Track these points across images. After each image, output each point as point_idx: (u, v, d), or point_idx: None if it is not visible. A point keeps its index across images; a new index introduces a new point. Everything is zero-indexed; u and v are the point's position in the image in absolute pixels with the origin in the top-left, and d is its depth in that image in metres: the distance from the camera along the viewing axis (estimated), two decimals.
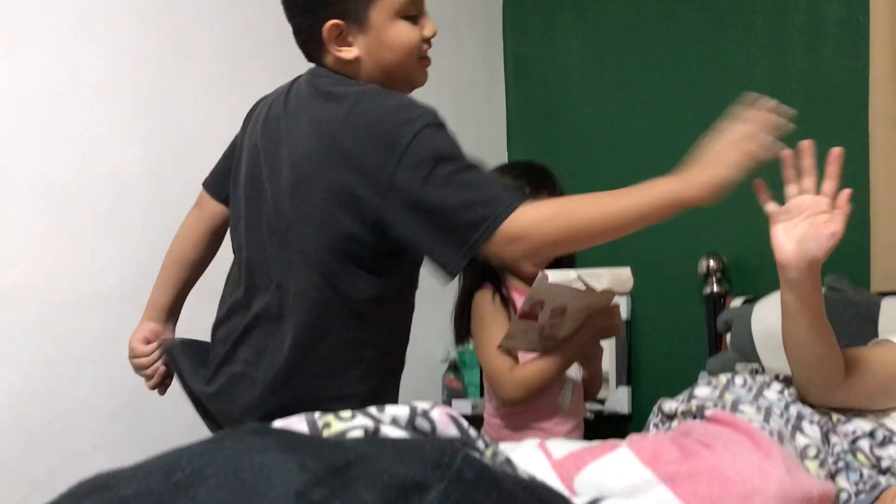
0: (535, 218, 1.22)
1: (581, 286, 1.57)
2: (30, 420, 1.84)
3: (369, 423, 0.88)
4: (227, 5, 1.85)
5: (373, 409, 0.92)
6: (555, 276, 1.57)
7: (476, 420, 1.90)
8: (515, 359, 1.76)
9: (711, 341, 2.40)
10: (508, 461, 0.96)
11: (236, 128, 1.74)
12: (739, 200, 2.43)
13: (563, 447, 1.12)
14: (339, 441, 0.74)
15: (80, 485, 0.62)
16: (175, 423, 1.84)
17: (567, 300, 1.60)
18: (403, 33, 1.37)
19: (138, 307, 1.97)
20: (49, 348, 1.88)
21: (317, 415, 0.87)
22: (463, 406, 2.56)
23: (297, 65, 1.77)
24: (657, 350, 2.64)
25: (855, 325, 1.96)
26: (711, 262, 2.44)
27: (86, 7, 1.96)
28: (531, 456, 1.10)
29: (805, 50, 2.38)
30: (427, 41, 1.41)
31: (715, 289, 2.43)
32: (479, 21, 2.93)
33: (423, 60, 1.43)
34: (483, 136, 2.92)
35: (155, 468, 0.60)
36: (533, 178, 1.83)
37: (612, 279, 1.63)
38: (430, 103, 2.75)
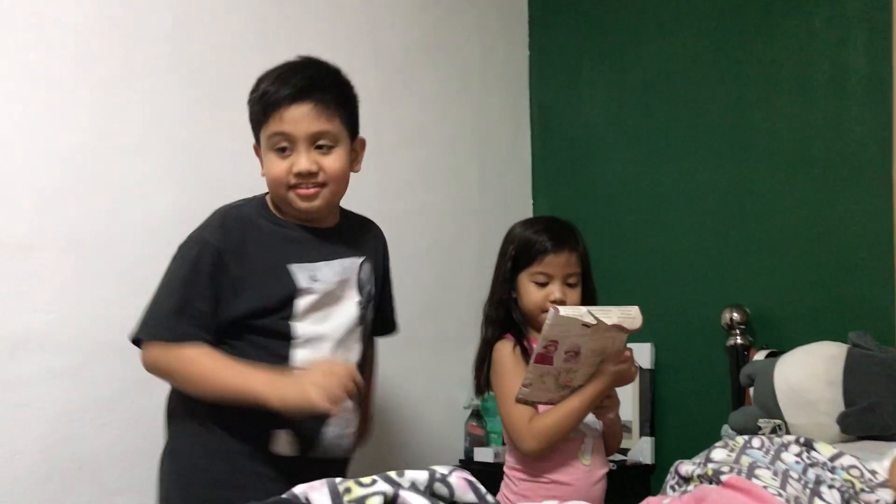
0: (153, 357, 1.60)
1: (591, 319, 1.61)
2: (60, 463, 1.87)
3: (388, 489, 0.90)
4: (260, 60, 1.91)
5: (393, 475, 0.95)
6: (566, 310, 1.64)
7: (498, 468, 1.92)
8: (534, 410, 1.78)
9: (735, 393, 2.40)
10: None
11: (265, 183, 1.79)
12: (764, 253, 2.47)
13: None
14: None
15: None
16: None
17: (579, 337, 1.64)
18: (270, 165, 1.62)
19: None
20: (79, 393, 1.92)
21: (338, 480, 0.90)
22: (485, 454, 2.57)
23: None
24: (681, 401, 2.64)
25: (880, 382, 1.96)
26: (735, 315, 2.44)
27: (123, 64, 2.03)
28: None
29: (828, 105, 2.40)
30: (298, 174, 1.60)
31: (738, 341, 2.44)
32: (505, 73, 2.98)
33: (297, 189, 1.62)
34: (508, 187, 2.95)
35: None
36: (555, 233, 1.85)
37: (622, 315, 1.68)
38: (457, 154, 2.91)
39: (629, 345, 1.76)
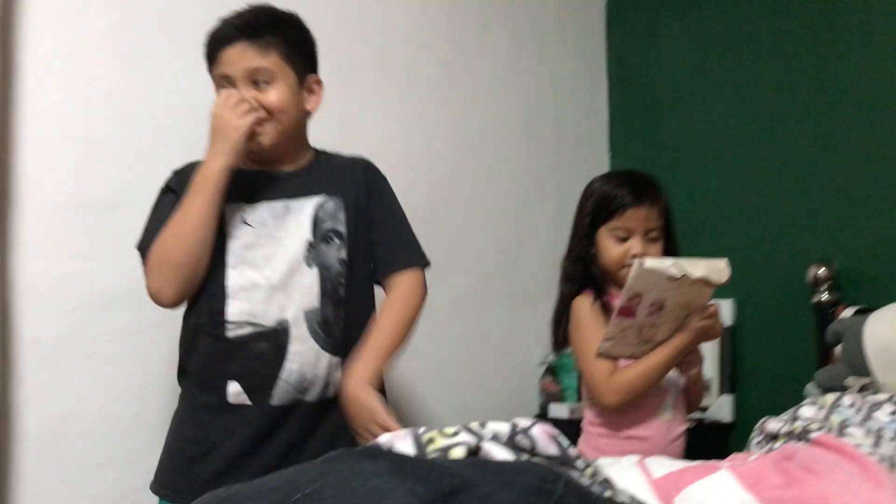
0: (151, 286, 1.60)
1: (677, 272, 1.58)
2: (149, 414, 1.95)
3: (471, 440, 0.91)
4: (337, 17, 1.93)
5: (475, 426, 0.95)
6: (651, 262, 1.61)
7: (573, 425, 1.91)
8: (614, 364, 1.76)
9: (819, 352, 2.33)
10: (607, 480, 0.97)
11: (341, 138, 1.79)
12: (854, 207, 2.37)
13: (663, 466, 1.12)
14: (446, 465, 0.77)
15: (206, 498, 0.66)
16: None
17: (663, 290, 1.61)
18: (217, 98, 1.63)
19: None
20: (165, 346, 1.98)
21: (421, 430, 0.90)
22: (560, 410, 2.56)
23: (394, 83, 1.79)
24: (763, 358, 2.58)
25: None
26: (822, 270, 2.36)
27: (205, 23, 2.03)
28: (630, 474, 1.10)
29: None
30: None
31: (825, 297, 2.36)
32: (582, 24, 2.91)
33: None
34: (585, 142, 2.90)
35: (276, 487, 0.64)
36: (635, 187, 1.82)
37: (709, 268, 1.64)
38: (533, 109, 2.86)
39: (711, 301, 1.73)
